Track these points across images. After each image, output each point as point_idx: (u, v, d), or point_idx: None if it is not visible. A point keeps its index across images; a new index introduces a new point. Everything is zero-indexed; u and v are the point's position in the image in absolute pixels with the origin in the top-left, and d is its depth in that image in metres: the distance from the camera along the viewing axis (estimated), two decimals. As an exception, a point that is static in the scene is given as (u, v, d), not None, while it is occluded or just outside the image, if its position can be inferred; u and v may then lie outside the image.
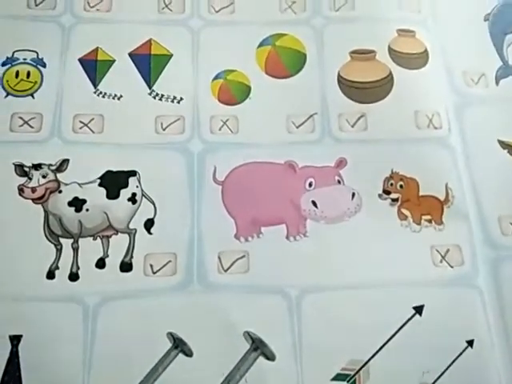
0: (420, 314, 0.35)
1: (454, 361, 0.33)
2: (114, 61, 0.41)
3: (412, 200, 0.38)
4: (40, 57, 0.41)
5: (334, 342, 0.34)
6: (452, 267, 0.36)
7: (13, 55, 0.40)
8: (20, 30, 0.41)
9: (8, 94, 0.39)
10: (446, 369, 0.33)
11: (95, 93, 0.40)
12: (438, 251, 0.37)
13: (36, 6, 0.42)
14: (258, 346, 0.34)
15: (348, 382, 0.33)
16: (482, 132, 0.41)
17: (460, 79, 0.43)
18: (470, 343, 0.34)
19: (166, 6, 0.43)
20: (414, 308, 0.35)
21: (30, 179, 0.36)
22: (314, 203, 0.37)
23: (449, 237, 0.37)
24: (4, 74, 0.40)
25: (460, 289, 0.36)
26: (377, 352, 0.34)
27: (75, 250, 0.35)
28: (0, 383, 0.32)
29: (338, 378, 0.33)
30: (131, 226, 0.36)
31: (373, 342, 0.34)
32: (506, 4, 0.47)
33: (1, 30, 0.41)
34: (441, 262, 0.36)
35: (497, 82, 0.43)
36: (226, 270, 0.36)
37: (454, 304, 0.35)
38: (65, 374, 0.32)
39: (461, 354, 0.34)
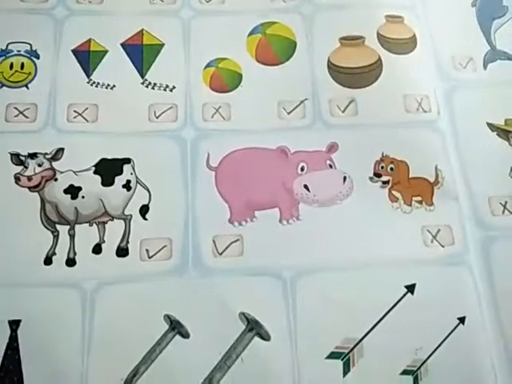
0: (412, 292, 0.35)
1: (446, 337, 0.34)
2: (106, 51, 0.42)
3: (402, 182, 0.39)
4: (34, 48, 0.41)
5: (328, 321, 0.34)
6: (443, 247, 0.37)
7: (7, 47, 0.41)
8: (14, 23, 0.42)
9: (3, 85, 0.40)
10: (439, 345, 0.34)
11: (88, 83, 0.40)
12: (428, 231, 0.37)
13: (28, -3, 0.43)
14: (253, 327, 0.34)
15: (342, 360, 0.34)
16: (470, 115, 0.42)
17: (448, 64, 0.43)
18: (462, 320, 0.35)
19: (157, -4, 0.44)
20: (406, 287, 0.35)
21: (26, 168, 0.37)
22: (306, 187, 0.38)
23: (439, 217, 0.38)
24: (-2, 66, 0.41)
25: (451, 268, 0.36)
26: (370, 330, 0.34)
27: (72, 236, 0.36)
28: (0, 367, 0.33)
29: (332, 356, 0.34)
30: (126, 212, 0.37)
31: (366, 321, 0.34)
32: (493, -11, 0.48)
33: (-6, 22, 0.42)
34: (432, 241, 0.37)
35: (485, 67, 0.44)
36: (220, 254, 0.36)
37: (445, 283, 0.36)
38: (64, 357, 0.33)
39: (452, 330, 0.34)
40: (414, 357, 0.34)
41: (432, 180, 0.39)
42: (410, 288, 0.36)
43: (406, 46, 0.43)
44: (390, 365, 0.34)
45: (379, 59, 0.42)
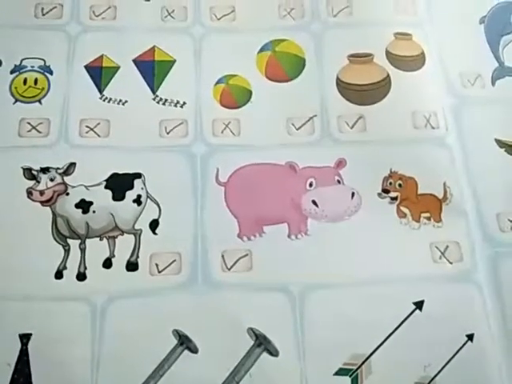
0: (420, 309, 0.35)
1: (454, 354, 0.34)
2: (118, 67, 0.42)
3: (411, 198, 0.39)
4: (47, 64, 0.42)
5: (336, 337, 0.35)
6: (451, 263, 0.37)
7: (21, 63, 0.42)
8: (27, 39, 0.43)
9: (16, 100, 0.41)
10: (447, 362, 0.34)
11: (101, 98, 0.41)
12: (437, 248, 0.37)
13: (43, 15, 0.44)
14: (262, 342, 0.34)
15: (350, 376, 0.34)
16: (479, 131, 0.42)
17: (457, 80, 0.44)
18: (470, 337, 0.35)
19: (169, 13, 0.45)
20: (415, 303, 0.36)
21: (39, 182, 0.37)
22: (314, 203, 0.38)
23: (448, 234, 0.38)
24: (12, 81, 0.41)
25: (459, 284, 0.36)
26: (378, 347, 0.34)
27: (82, 250, 0.36)
28: (10, 380, 0.33)
29: (340, 372, 0.34)
30: (137, 226, 0.37)
31: (374, 337, 0.35)
32: (501, 7, 0.48)
33: (9, 38, 0.43)
34: (440, 258, 0.37)
35: (493, 83, 0.44)
36: (229, 269, 0.36)
37: (453, 299, 0.36)
38: (74, 371, 0.33)
39: (461, 347, 0.34)
40: (423, 373, 0.34)
41: (440, 196, 0.39)
42: (419, 304, 0.36)
43: (414, 63, 0.43)
44: (398, 381, 0.34)
45: (388, 76, 0.42)
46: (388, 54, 0.43)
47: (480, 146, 0.41)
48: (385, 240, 0.38)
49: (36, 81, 0.41)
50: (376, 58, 0.43)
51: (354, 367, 0.34)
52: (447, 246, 0.37)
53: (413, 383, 0.34)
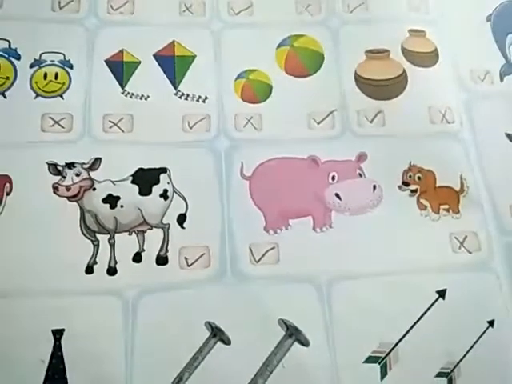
0: (443, 297, 0.37)
1: (477, 340, 0.36)
2: (139, 62, 0.42)
3: (430, 191, 0.40)
4: (67, 58, 0.41)
5: (364, 326, 0.36)
6: (470, 253, 0.38)
7: (40, 57, 0.41)
8: (46, 33, 0.42)
9: (37, 95, 0.40)
10: (471, 348, 0.35)
11: (123, 93, 0.41)
12: (456, 238, 0.39)
13: (60, 8, 0.43)
14: (293, 333, 0.35)
15: (379, 364, 0.35)
16: (489, 126, 0.43)
17: (467, 76, 0.45)
18: (491, 323, 0.36)
19: (187, 8, 0.45)
20: (438, 292, 0.37)
21: (64, 178, 0.37)
22: (337, 196, 0.39)
23: (466, 224, 0.39)
24: (32, 75, 0.40)
25: (478, 273, 0.38)
26: (405, 335, 0.36)
27: (112, 245, 0.36)
28: (45, 376, 0.33)
29: (369, 360, 0.35)
30: (164, 221, 0.37)
31: (400, 326, 0.36)
32: (506, 5, 0.50)
33: (27, 32, 0.42)
34: (459, 248, 0.38)
35: (501, 79, 0.46)
36: (257, 261, 0.37)
37: (473, 287, 0.37)
38: (107, 365, 0.33)
39: (483, 333, 0.36)
40: (448, 359, 0.35)
41: (457, 188, 0.40)
42: (441, 293, 0.37)
43: (428, 59, 0.44)
44: (424, 368, 0.35)
45: (404, 72, 0.43)
46: (404, 50, 0.44)
47: (491, 140, 0.43)
48: (406, 231, 0.39)
49: (57, 75, 0.41)
50: (392, 53, 0.44)
51: (383, 355, 0.35)
52: (466, 237, 0.39)
53: (438, 369, 0.35)
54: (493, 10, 0.49)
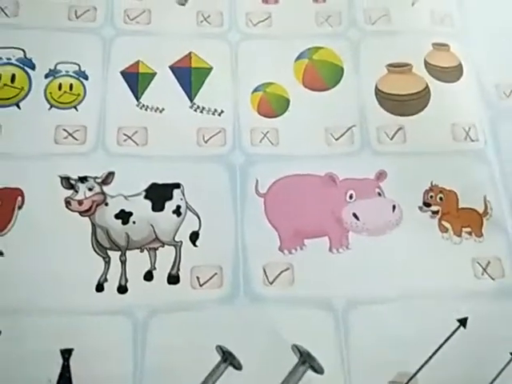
0: (464, 326, 0.35)
1: (500, 372, 0.34)
2: (155, 74, 0.41)
3: (452, 212, 0.39)
4: (82, 69, 0.41)
5: (381, 354, 0.34)
6: (493, 279, 0.37)
7: (55, 67, 0.41)
8: (61, 42, 0.42)
9: (51, 106, 0.39)
10: (493, 380, 0.34)
11: (138, 105, 0.40)
12: (479, 263, 0.37)
13: (76, 18, 0.43)
14: (306, 360, 0.34)
15: (396, 394, 0.34)
16: (516, 145, 0.42)
17: (493, 92, 0.43)
18: (515, 355, 0.35)
19: (205, 19, 0.44)
20: (459, 320, 0.35)
21: (77, 192, 0.36)
22: (355, 215, 0.38)
23: (489, 249, 0.38)
24: (47, 86, 0.40)
25: (502, 300, 0.36)
26: (424, 364, 0.34)
27: (123, 262, 0.36)
28: (52, 397, 0.32)
29: (386, 390, 0.34)
30: (177, 238, 0.37)
31: (419, 355, 0.34)
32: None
33: (43, 41, 0.41)
34: (482, 274, 0.37)
35: (528, 95, 0.44)
36: (271, 283, 0.36)
37: (496, 316, 0.36)
38: (116, 386, 0.33)
39: (506, 365, 0.34)
40: (468, 392, 0.34)
41: (481, 211, 0.39)
42: (463, 321, 0.35)
43: (452, 74, 0.43)
44: (444, 400, 0.34)
45: (427, 87, 0.42)
46: (426, 64, 0.43)
47: (517, 160, 0.41)
48: (427, 254, 0.37)
49: (71, 86, 0.40)
50: (415, 68, 0.43)
51: (400, 385, 0.34)
52: (489, 262, 0.37)
53: (458, 401, 0.34)
54: (521, 22, 0.47)
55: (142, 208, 0.37)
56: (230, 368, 0.33)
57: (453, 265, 0.37)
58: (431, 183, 0.40)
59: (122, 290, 0.35)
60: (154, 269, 0.36)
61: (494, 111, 0.43)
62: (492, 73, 0.44)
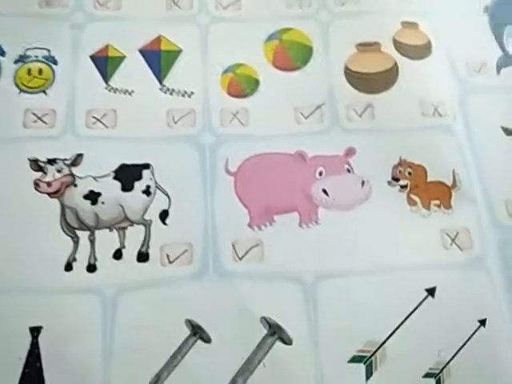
0: (432, 295, 0.35)
1: (467, 340, 0.34)
2: (124, 57, 0.42)
3: (420, 186, 0.39)
4: (52, 54, 0.41)
5: (350, 325, 0.34)
6: (462, 250, 0.37)
7: (25, 53, 0.41)
8: (31, 28, 0.42)
9: (21, 90, 0.40)
10: (460, 348, 0.34)
11: (107, 88, 0.41)
12: (447, 235, 0.37)
13: (47, 4, 0.43)
14: (275, 331, 0.34)
15: (365, 363, 0.34)
16: (485, 119, 0.42)
17: (462, 69, 0.44)
18: (483, 322, 0.35)
19: (175, 3, 0.44)
20: (427, 290, 0.36)
21: (46, 174, 0.37)
22: (324, 191, 0.38)
23: (458, 220, 0.38)
24: (16, 71, 0.40)
25: (470, 271, 0.36)
26: (392, 333, 0.34)
27: (92, 241, 0.36)
28: (21, 375, 0.32)
29: (354, 360, 0.34)
30: (146, 217, 0.37)
31: (388, 324, 0.35)
32: (504, -5, 0.49)
33: (12, 28, 0.42)
34: (451, 245, 0.37)
35: (498, 71, 0.44)
36: (240, 258, 0.36)
37: (465, 285, 0.36)
38: (85, 364, 0.33)
39: (474, 333, 0.34)
40: (437, 359, 0.34)
41: (450, 183, 0.39)
42: (431, 291, 0.36)
43: (421, 51, 0.43)
44: (412, 368, 0.34)
45: (395, 65, 0.42)
46: (395, 42, 0.43)
47: (487, 133, 0.41)
48: (395, 228, 0.37)
49: (41, 71, 0.40)
50: (383, 46, 0.43)
51: (368, 354, 0.34)
52: (457, 233, 0.37)
53: (427, 369, 0.34)
54: (490, 1, 0.48)
55: (111, 188, 0.37)
56: (200, 342, 0.34)
57: (421, 237, 0.37)
58: (400, 158, 0.40)
59: (91, 268, 0.35)
60: (124, 247, 0.36)
61: (464, 87, 0.43)
62: (461, 50, 0.45)
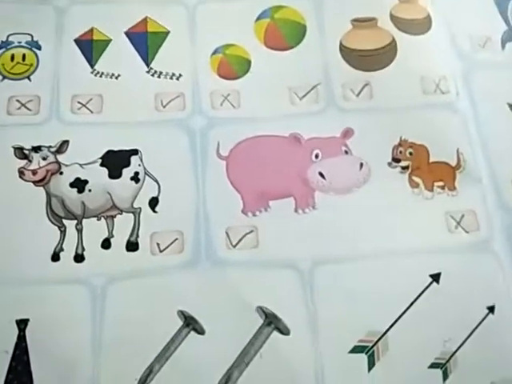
0: (437, 281, 0.34)
1: (475, 328, 0.32)
2: (110, 40, 0.40)
3: (422, 167, 0.37)
4: (35, 39, 0.40)
5: (350, 313, 0.33)
6: (468, 233, 0.35)
7: (7, 39, 0.40)
8: (14, 14, 0.40)
9: (4, 77, 0.38)
10: (468, 336, 0.32)
11: (92, 73, 0.39)
12: (452, 217, 0.35)
13: (28, -11, 0.42)
14: (272, 321, 0.32)
15: (366, 353, 0.32)
16: (490, 96, 0.40)
17: (466, 43, 0.42)
18: (491, 309, 0.33)
19: (161, -17, 0.43)
20: (431, 276, 0.34)
21: (30, 162, 0.35)
22: (321, 174, 0.36)
23: (463, 202, 0.36)
24: (-1, 58, 0.39)
25: (477, 254, 0.34)
26: (395, 322, 0.33)
27: (79, 231, 0.34)
28: (8, 368, 0.31)
29: (355, 350, 0.32)
30: (135, 205, 0.35)
31: (390, 313, 0.33)
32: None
33: (-6, 14, 0.41)
34: (456, 227, 0.35)
35: (503, 46, 0.42)
36: (234, 246, 0.35)
37: (471, 270, 0.34)
38: (74, 357, 0.31)
39: (482, 320, 0.33)
40: (443, 349, 0.32)
41: (453, 164, 0.37)
42: (435, 277, 0.34)
43: (420, 26, 0.41)
44: (417, 358, 0.32)
45: (393, 40, 0.40)
46: (392, 17, 0.41)
47: (492, 110, 0.39)
48: (397, 211, 0.36)
49: (24, 57, 0.39)
50: (380, 21, 0.41)
51: (370, 344, 0.32)
52: (463, 215, 0.36)
53: (433, 359, 0.32)
54: (494, -26, 0.46)
55: (97, 176, 0.35)
56: (193, 333, 0.32)
57: (424, 220, 0.35)
58: (400, 138, 0.38)
59: (79, 258, 0.34)
60: (112, 236, 0.34)
61: (468, 62, 0.41)
62: (464, 24, 0.42)
